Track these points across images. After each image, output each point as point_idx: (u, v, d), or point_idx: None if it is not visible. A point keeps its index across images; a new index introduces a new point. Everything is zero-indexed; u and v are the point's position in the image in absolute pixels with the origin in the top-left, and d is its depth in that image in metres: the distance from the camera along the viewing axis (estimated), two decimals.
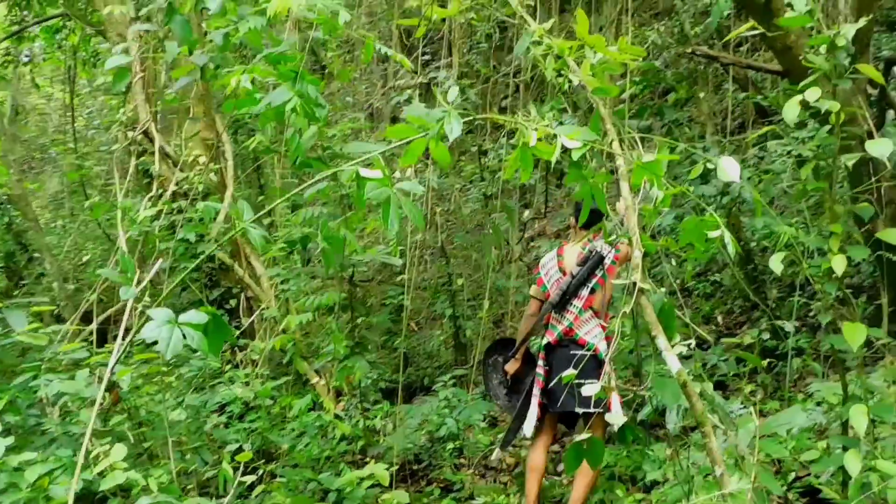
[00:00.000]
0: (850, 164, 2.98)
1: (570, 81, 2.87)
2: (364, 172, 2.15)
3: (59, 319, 7.48)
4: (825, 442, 3.97)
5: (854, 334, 2.76)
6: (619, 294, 4.93)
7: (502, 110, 10.49)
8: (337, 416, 5.50)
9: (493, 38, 9.41)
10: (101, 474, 3.54)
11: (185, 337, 2.11)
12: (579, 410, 4.43)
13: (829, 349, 3.74)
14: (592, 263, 4.53)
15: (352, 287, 6.08)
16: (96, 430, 3.76)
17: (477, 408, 5.86)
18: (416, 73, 7.78)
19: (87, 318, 6.44)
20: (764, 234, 6.18)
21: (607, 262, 4.52)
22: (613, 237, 3.48)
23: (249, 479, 4.03)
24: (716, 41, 7.83)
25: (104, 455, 3.57)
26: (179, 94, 6.50)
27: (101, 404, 3.67)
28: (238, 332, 6.02)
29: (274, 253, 5.77)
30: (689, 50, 6.31)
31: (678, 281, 5.78)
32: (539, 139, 2.31)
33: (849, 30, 2.87)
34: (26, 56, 11.02)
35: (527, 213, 9.72)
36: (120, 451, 3.60)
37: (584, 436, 2.51)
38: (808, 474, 4.03)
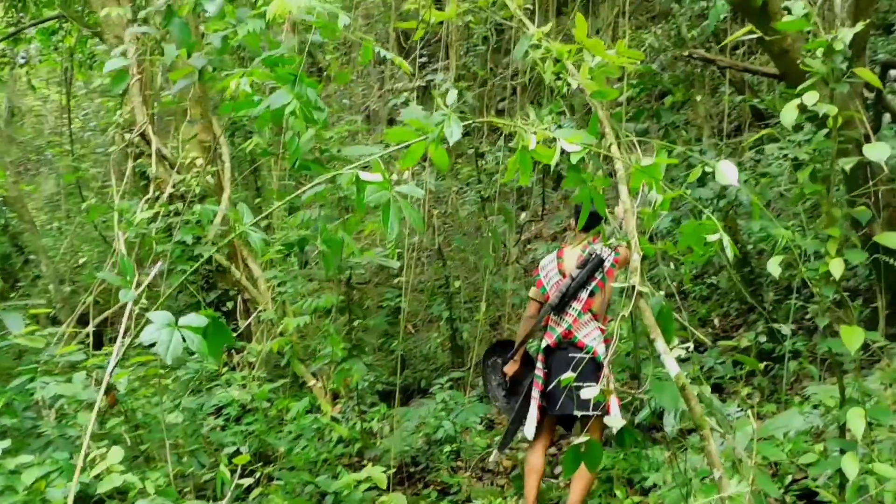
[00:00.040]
0: (847, 167, 2.98)
1: (568, 85, 2.87)
2: (364, 176, 2.15)
3: (55, 322, 7.46)
4: (822, 445, 3.97)
5: (851, 338, 2.77)
6: (617, 297, 4.95)
7: (499, 113, 10.50)
8: (334, 419, 5.49)
9: (489, 40, 9.41)
10: (98, 477, 3.53)
11: (184, 340, 2.10)
12: (578, 413, 4.44)
13: (826, 352, 3.75)
14: (592, 266, 4.54)
15: (349, 289, 6.08)
16: (93, 433, 3.75)
17: (474, 410, 5.86)
18: (413, 75, 7.79)
19: (82, 321, 6.43)
20: (760, 237, 6.19)
21: (607, 265, 4.54)
22: (612, 240, 3.48)
23: (247, 481, 4.03)
24: (712, 44, 7.85)
25: (101, 458, 3.57)
26: (177, 97, 6.49)
27: (101, 407, 3.66)
28: (235, 335, 6.01)
29: (271, 255, 5.77)
30: (686, 53, 6.32)
31: (675, 283, 5.78)
32: (538, 143, 2.32)
33: (846, 34, 2.88)
34: (22, 58, 11.01)
35: (523, 215, 9.72)
36: (117, 453, 3.59)
37: (583, 438, 2.51)
38: (805, 477, 4.03)
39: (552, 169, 2.65)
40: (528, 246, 9.76)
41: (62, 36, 9.75)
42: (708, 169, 2.62)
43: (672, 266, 5.63)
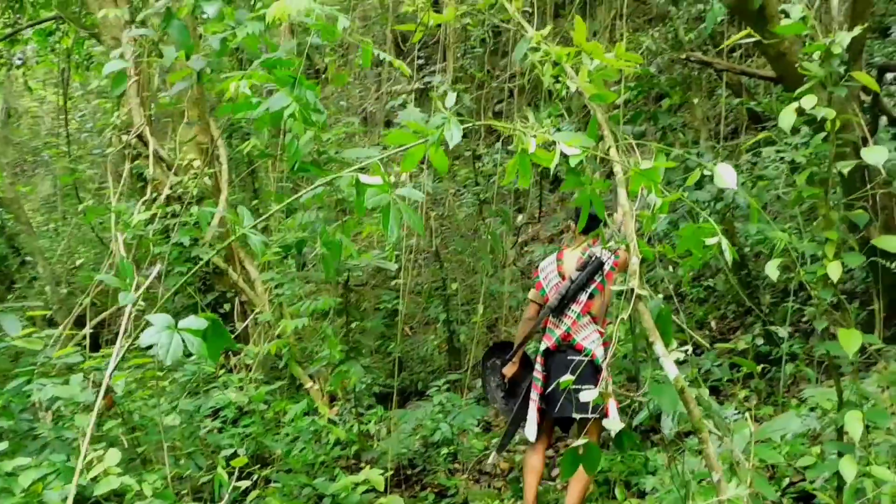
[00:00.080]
0: (845, 171, 2.99)
1: (567, 88, 2.87)
2: (364, 179, 2.15)
3: (52, 323, 7.44)
4: (819, 447, 3.98)
5: (850, 340, 2.78)
6: (616, 300, 4.96)
7: (496, 115, 10.51)
8: (331, 421, 5.49)
9: (487, 42, 9.42)
10: (95, 479, 3.53)
11: (184, 343, 2.10)
12: (577, 416, 4.45)
13: (824, 355, 3.75)
14: (592, 269, 4.55)
15: (347, 291, 6.08)
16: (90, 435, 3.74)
17: (471, 413, 5.86)
18: (411, 78, 7.80)
19: (79, 322, 6.42)
20: (757, 240, 6.20)
21: (606, 267, 4.55)
22: (611, 243, 3.48)
23: (244, 484, 4.03)
24: (709, 47, 7.86)
25: (98, 460, 3.56)
26: (174, 98, 6.49)
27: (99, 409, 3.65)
28: (232, 337, 6.00)
29: (269, 257, 5.77)
30: (684, 56, 6.33)
31: (672, 286, 5.80)
32: (538, 146, 2.32)
33: (844, 38, 2.89)
34: (19, 59, 10.99)
35: (520, 217, 9.74)
36: (114, 455, 3.59)
37: (581, 441, 2.51)
38: (803, 480, 4.04)
39: (551, 171, 2.66)
40: (526, 248, 9.77)
41: (59, 37, 9.73)
42: (706, 172, 2.62)
43: (669, 268, 5.65)
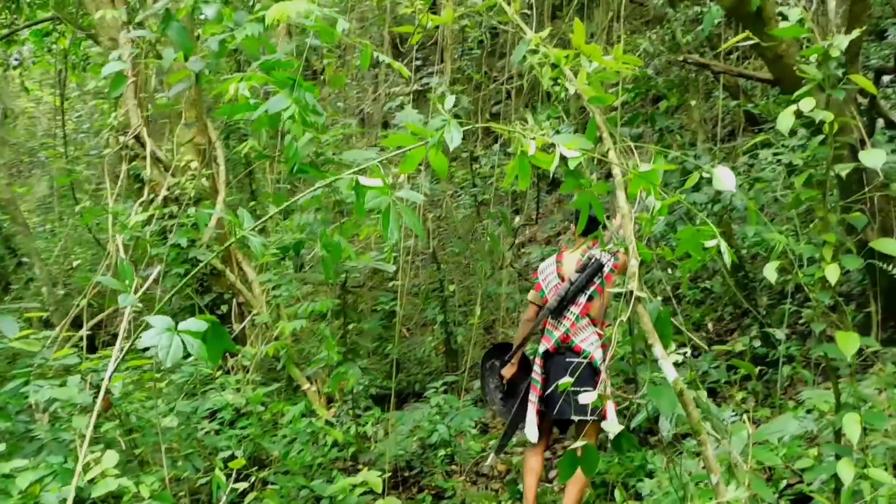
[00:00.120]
0: (843, 173, 3.00)
1: (565, 90, 2.88)
2: (364, 181, 2.15)
3: (48, 325, 7.43)
4: (816, 449, 3.99)
5: (847, 343, 2.78)
6: (615, 302, 4.97)
7: (494, 116, 10.52)
8: (328, 423, 5.48)
9: (484, 44, 9.43)
10: (92, 481, 3.52)
11: (184, 344, 2.10)
12: (575, 418, 4.47)
13: (821, 357, 3.75)
14: (591, 271, 4.56)
15: (344, 293, 6.08)
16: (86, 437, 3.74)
17: (468, 414, 5.86)
18: (409, 79, 7.80)
19: (76, 324, 6.40)
20: (754, 242, 6.21)
21: (606, 270, 4.55)
22: (611, 246, 3.49)
23: (242, 486, 4.03)
24: (707, 49, 7.87)
25: (95, 462, 3.56)
26: (171, 99, 6.49)
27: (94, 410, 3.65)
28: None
29: (266, 259, 5.76)
30: (681, 58, 6.34)
31: (669, 288, 5.80)
32: (537, 148, 2.32)
33: (842, 41, 2.90)
34: (16, 59, 10.97)
35: (518, 219, 9.75)
36: (112, 457, 3.58)
37: (580, 443, 2.51)
38: (800, 482, 4.04)
39: (545, 172, 2.65)
40: (523, 250, 9.77)
41: (56, 38, 9.71)
42: (705, 174, 2.62)
43: (667, 270, 5.65)
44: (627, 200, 2.61)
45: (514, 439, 5.42)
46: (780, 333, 4.92)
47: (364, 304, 8.54)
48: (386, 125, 11.29)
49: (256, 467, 4.93)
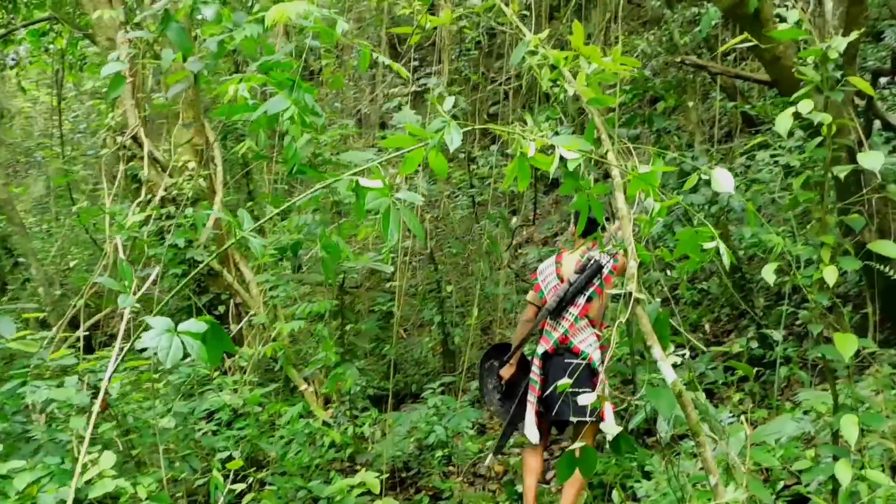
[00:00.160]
0: (841, 175, 3.00)
1: (564, 91, 2.88)
2: (364, 182, 2.15)
3: (45, 325, 7.42)
4: (813, 450, 3.99)
5: (845, 344, 2.79)
6: (613, 303, 4.98)
7: (491, 117, 10.52)
8: (325, 424, 5.48)
9: (482, 45, 9.43)
10: (90, 482, 3.51)
11: (183, 346, 2.09)
12: (574, 419, 4.47)
13: (818, 358, 3.76)
14: (591, 272, 4.56)
15: (342, 294, 6.07)
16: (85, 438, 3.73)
17: (466, 415, 5.86)
18: (409, 81, 7.80)
19: (72, 324, 6.40)
20: (752, 243, 6.22)
21: (605, 271, 4.56)
22: (609, 247, 3.49)
23: (239, 486, 4.02)
24: (704, 50, 7.89)
25: (92, 463, 3.55)
26: (169, 100, 6.48)
27: (92, 411, 3.64)
28: None
29: (264, 260, 5.76)
30: (679, 59, 6.35)
31: (667, 288, 5.81)
32: (536, 150, 2.32)
33: (840, 43, 2.90)
34: (12, 59, 10.95)
35: (515, 219, 9.75)
36: (109, 458, 3.58)
37: (578, 444, 2.52)
38: (797, 483, 4.05)
39: (542, 173, 2.65)
40: (520, 250, 9.77)
41: (53, 37, 9.70)
42: (704, 176, 2.63)
43: (664, 271, 5.66)
44: (626, 202, 2.62)
45: (512, 440, 5.42)
46: (777, 335, 4.93)
47: (361, 305, 8.55)
48: (383, 126, 11.29)
49: (254, 468, 4.92)
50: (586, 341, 4.59)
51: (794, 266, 3.23)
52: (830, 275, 2.86)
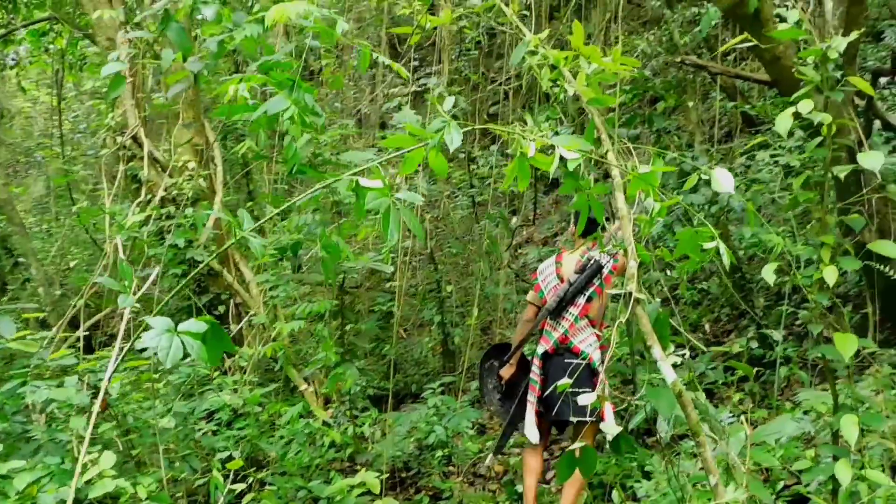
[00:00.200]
0: (841, 175, 3.00)
1: (565, 91, 2.88)
2: (364, 182, 2.15)
3: (44, 325, 7.42)
4: (813, 450, 3.99)
5: (845, 344, 2.79)
6: (613, 303, 4.98)
7: (491, 116, 10.52)
8: (325, 424, 5.48)
9: (482, 45, 9.43)
10: (90, 482, 3.51)
11: (183, 346, 2.09)
12: (574, 419, 4.47)
13: (818, 358, 3.75)
14: (591, 272, 4.57)
15: (342, 294, 6.07)
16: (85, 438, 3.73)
17: (466, 415, 5.86)
18: (409, 81, 7.80)
19: (72, 324, 6.40)
20: (752, 243, 6.22)
21: (605, 271, 4.56)
22: (609, 247, 3.49)
23: (239, 486, 4.02)
24: (704, 50, 7.89)
25: (92, 463, 3.55)
26: (169, 100, 6.49)
27: (92, 411, 3.64)
28: None
29: (264, 260, 5.76)
30: (679, 59, 6.35)
31: (667, 288, 5.81)
32: (537, 150, 2.32)
33: (840, 43, 2.90)
34: (12, 59, 10.95)
35: (515, 219, 9.75)
36: (109, 458, 3.57)
37: (578, 444, 2.52)
38: (797, 483, 4.05)
39: (542, 173, 2.66)
40: (520, 250, 9.77)
41: (53, 37, 9.70)
42: (704, 176, 2.63)
43: (664, 271, 5.66)
44: (626, 202, 2.62)
45: (512, 440, 5.42)
46: (777, 335, 4.93)
47: (361, 305, 8.55)
48: (383, 126, 11.29)
49: (254, 468, 4.92)
50: (586, 341, 4.60)
51: (794, 266, 3.23)
52: (831, 275, 2.86)
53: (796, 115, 2.86)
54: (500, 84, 9.58)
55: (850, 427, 2.85)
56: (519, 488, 5.29)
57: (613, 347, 2.48)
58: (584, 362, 4.52)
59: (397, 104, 7.46)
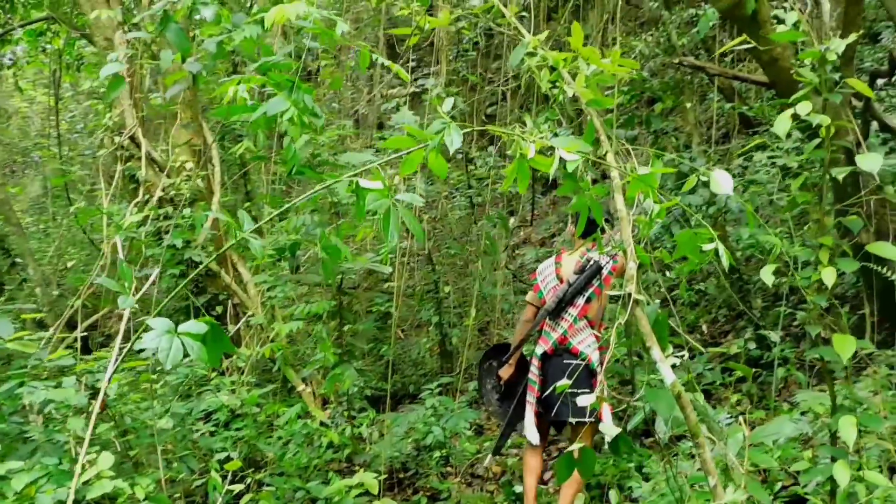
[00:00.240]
0: (839, 177, 3.01)
1: (564, 93, 2.88)
2: (364, 184, 2.15)
3: (41, 325, 7.40)
4: (810, 451, 4.00)
5: (844, 346, 2.79)
6: (612, 304, 4.98)
7: (489, 117, 10.53)
8: (323, 424, 5.48)
9: (479, 45, 9.44)
10: (87, 483, 3.51)
11: (184, 347, 2.09)
12: (573, 420, 4.48)
13: (816, 359, 3.76)
14: (590, 273, 4.57)
15: (340, 294, 6.07)
16: (83, 439, 3.72)
17: (463, 416, 5.86)
18: (409, 82, 7.80)
19: (69, 324, 6.38)
20: (749, 244, 6.23)
21: (605, 272, 4.56)
22: (609, 248, 3.49)
23: (237, 487, 4.02)
24: (701, 51, 7.90)
25: (90, 463, 3.54)
26: (167, 100, 6.48)
27: (90, 412, 3.64)
28: None
29: (262, 260, 5.76)
30: (676, 60, 6.36)
31: (664, 289, 5.82)
32: (536, 151, 2.32)
33: (839, 45, 2.91)
34: (9, 59, 10.94)
35: (512, 220, 9.76)
36: (107, 459, 3.57)
37: (577, 445, 2.52)
38: (795, 484, 4.06)
39: (541, 174, 2.66)
40: (517, 251, 9.78)
41: (50, 37, 9.69)
42: (702, 178, 2.63)
43: (661, 272, 5.66)
44: (625, 204, 2.62)
45: (510, 441, 5.42)
46: (774, 335, 4.94)
47: (359, 306, 8.54)
48: (381, 126, 11.29)
49: (252, 469, 4.92)
50: (585, 342, 4.60)
51: (792, 267, 3.23)
52: (829, 276, 2.87)
53: (794, 117, 2.87)
54: (498, 85, 9.59)
55: (848, 428, 2.86)
56: (516, 489, 5.29)
57: (613, 348, 2.48)
58: (584, 363, 4.53)
59: (395, 105, 7.46)
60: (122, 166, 6.75)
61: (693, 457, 4.23)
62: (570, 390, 3.44)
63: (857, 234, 3.26)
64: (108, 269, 5.93)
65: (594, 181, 2.84)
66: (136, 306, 4.20)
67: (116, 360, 2.81)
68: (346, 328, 6.31)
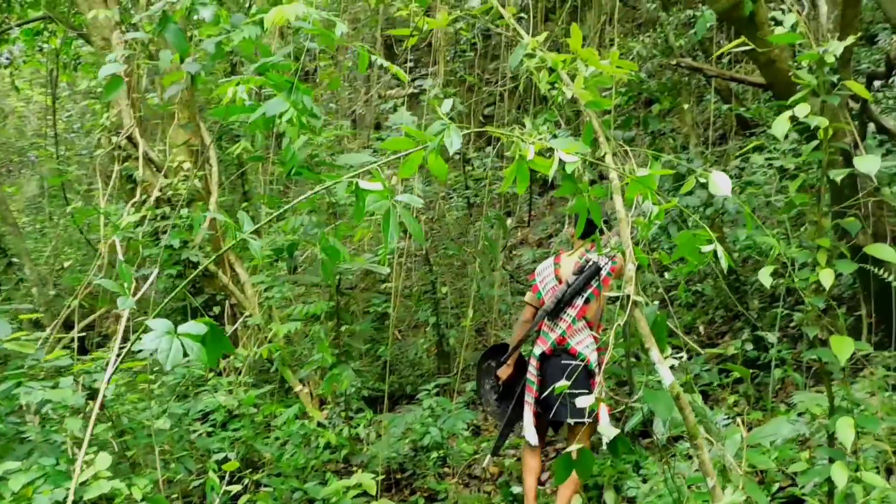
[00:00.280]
0: (837, 178, 3.02)
1: (562, 94, 2.88)
2: (364, 185, 2.15)
3: (38, 326, 7.39)
4: (808, 452, 4.01)
5: (842, 347, 2.80)
6: (610, 305, 4.99)
7: (486, 118, 10.54)
8: (320, 425, 5.47)
9: (477, 46, 9.44)
10: (85, 483, 3.51)
11: (183, 348, 2.09)
12: (571, 421, 4.48)
13: (813, 360, 3.76)
14: (589, 274, 4.58)
15: (338, 295, 6.07)
16: (80, 439, 3.72)
17: (461, 417, 5.86)
18: (407, 83, 7.80)
19: (66, 324, 6.37)
20: (746, 245, 6.23)
21: (603, 273, 4.57)
22: (607, 249, 3.50)
23: (235, 488, 4.02)
24: (699, 52, 7.91)
25: (87, 464, 3.54)
26: (165, 101, 6.48)
27: (87, 412, 3.64)
28: None
29: (259, 261, 5.75)
30: (674, 61, 6.36)
31: (662, 290, 5.82)
32: (535, 152, 2.32)
33: (836, 47, 2.91)
34: (6, 58, 10.91)
35: (510, 221, 9.76)
36: (105, 459, 3.57)
37: (575, 446, 2.52)
38: (792, 485, 4.06)
39: (540, 176, 2.66)
40: (514, 252, 9.78)
41: (47, 37, 9.67)
42: (702, 180, 2.64)
43: (658, 273, 5.67)
44: (624, 205, 2.62)
45: (507, 441, 5.42)
46: (771, 337, 4.94)
47: (356, 306, 8.54)
48: (378, 126, 11.28)
49: (249, 469, 4.92)
50: (584, 343, 4.61)
51: (789, 269, 3.24)
52: (827, 278, 2.87)
53: (792, 119, 2.87)
54: (496, 86, 9.59)
55: (845, 429, 2.86)
56: (514, 489, 5.30)
57: (611, 349, 2.49)
58: (582, 364, 4.53)
59: (392, 105, 7.46)
60: (120, 166, 6.74)
61: (691, 458, 4.24)
62: (568, 391, 3.44)
63: (854, 236, 3.26)
64: (106, 270, 5.92)
65: (592, 182, 2.84)
66: (134, 307, 4.19)
67: (116, 360, 2.80)
68: (343, 329, 6.31)
